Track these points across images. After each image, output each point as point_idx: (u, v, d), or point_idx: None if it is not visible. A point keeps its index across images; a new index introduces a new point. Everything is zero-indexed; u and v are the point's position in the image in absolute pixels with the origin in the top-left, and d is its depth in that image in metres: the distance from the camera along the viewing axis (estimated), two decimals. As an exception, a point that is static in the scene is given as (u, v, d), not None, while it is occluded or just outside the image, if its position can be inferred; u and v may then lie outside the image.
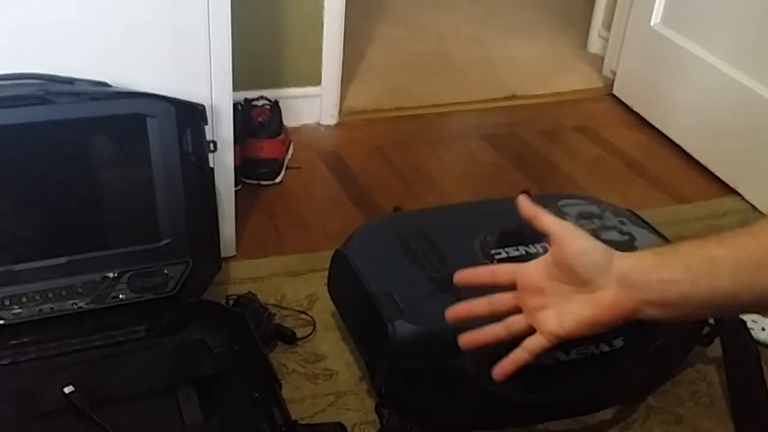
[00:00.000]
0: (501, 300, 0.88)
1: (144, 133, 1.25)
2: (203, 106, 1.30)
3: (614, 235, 1.32)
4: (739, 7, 1.86)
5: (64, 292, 1.24)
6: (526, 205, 0.85)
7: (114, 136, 1.28)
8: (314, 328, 1.38)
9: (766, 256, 0.72)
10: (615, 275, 0.78)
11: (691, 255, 0.75)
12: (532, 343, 0.85)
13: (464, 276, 0.92)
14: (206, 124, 1.31)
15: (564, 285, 0.82)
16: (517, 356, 0.86)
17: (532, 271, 0.85)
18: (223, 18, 1.31)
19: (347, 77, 2.22)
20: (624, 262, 0.78)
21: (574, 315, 0.81)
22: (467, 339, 0.89)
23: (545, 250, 1.26)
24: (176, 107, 1.26)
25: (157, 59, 1.30)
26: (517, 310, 0.88)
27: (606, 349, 1.18)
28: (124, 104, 1.25)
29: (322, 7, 1.98)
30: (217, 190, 1.39)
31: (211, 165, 1.33)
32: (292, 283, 1.49)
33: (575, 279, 0.80)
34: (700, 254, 0.74)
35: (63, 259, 1.25)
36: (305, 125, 2.10)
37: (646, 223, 1.38)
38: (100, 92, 1.23)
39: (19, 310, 1.22)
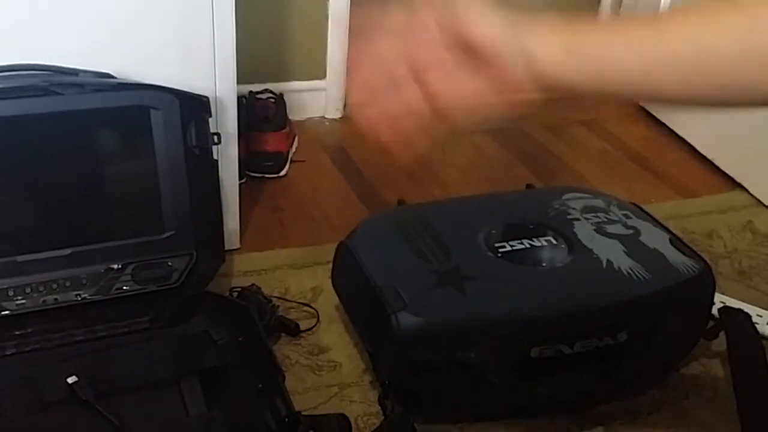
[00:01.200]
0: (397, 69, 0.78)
1: (148, 125, 1.25)
2: (207, 98, 1.30)
3: (619, 229, 1.31)
4: None
5: (68, 283, 1.24)
6: None
7: (118, 127, 1.27)
8: (318, 321, 1.38)
9: (669, 61, 0.69)
10: (517, 56, 0.75)
11: (600, 60, 0.71)
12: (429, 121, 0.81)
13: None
14: (210, 116, 1.31)
15: (460, 58, 0.79)
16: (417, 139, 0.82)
17: (428, 42, 0.81)
18: (228, 10, 1.31)
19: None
20: (532, 49, 0.72)
21: (469, 89, 0.78)
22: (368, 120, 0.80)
23: (550, 244, 1.27)
24: (180, 99, 1.26)
25: (161, 51, 1.30)
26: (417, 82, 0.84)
27: (610, 342, 1.18)
28: (128, 96, 1.25)
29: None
30: (221, 183, 1.39)
31: (215, 157, 1.33)
32: (296, 276, 1.49)
33: (473, 55, 0.78)
34: (608, 61, 0.71)
35: (67, 251, 1.25)
36: (310, 119, 2.10)
37: (651, 217, 1.37)
38: (104, 84, 1.23)
39: (23, 301, 1.22)
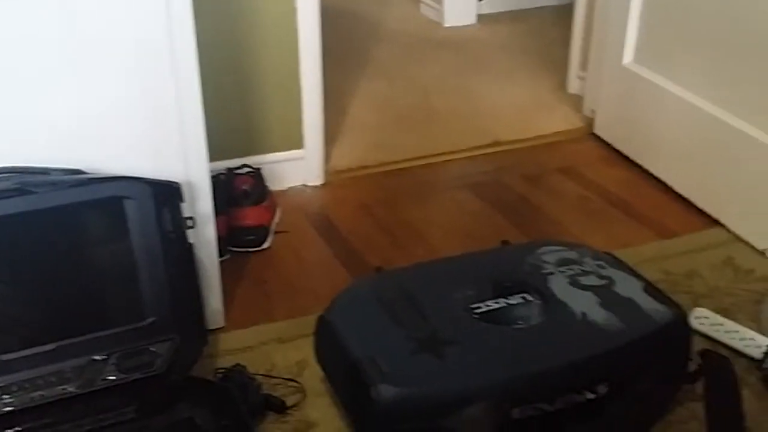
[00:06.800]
0: None
1: (122, 215, 1.28)
2: (179, 184, 1.33)
3: (593, 280, 1.33)
4: (706, 42, 1.90)
5: (53, 379, 1.26)
6: None
7: (93, 220, 1.30)
8: (304, 395, 1.38)
9: None
10: None
11: None
12: None
13: None
14: (183, 201, 1.34)
15: None
16: None
17: None
18: (194, 97, 1.34)
19: (331, 135, 2.25)
20: None
21: None
22: None
23: (526, 301, 1.28)
24: (152, 187, 1.29)
25: (130, 142, 1.33)
26: None
27: (591, 396, 1.18)
28: (101, 188, 1.28)
29: (298, 71, 2.01)
30: (200, 264, 1.41)
31: (190, 240, 1.35)
32: (281, 350, 1.50)
33: None
34: None
35: (51, 346, 1.27)
36: (291, 188, 2.12)
37: (625, 265, 1.39)
38: (76, 179, 1.26)
39: (10, 400, 1.23)
